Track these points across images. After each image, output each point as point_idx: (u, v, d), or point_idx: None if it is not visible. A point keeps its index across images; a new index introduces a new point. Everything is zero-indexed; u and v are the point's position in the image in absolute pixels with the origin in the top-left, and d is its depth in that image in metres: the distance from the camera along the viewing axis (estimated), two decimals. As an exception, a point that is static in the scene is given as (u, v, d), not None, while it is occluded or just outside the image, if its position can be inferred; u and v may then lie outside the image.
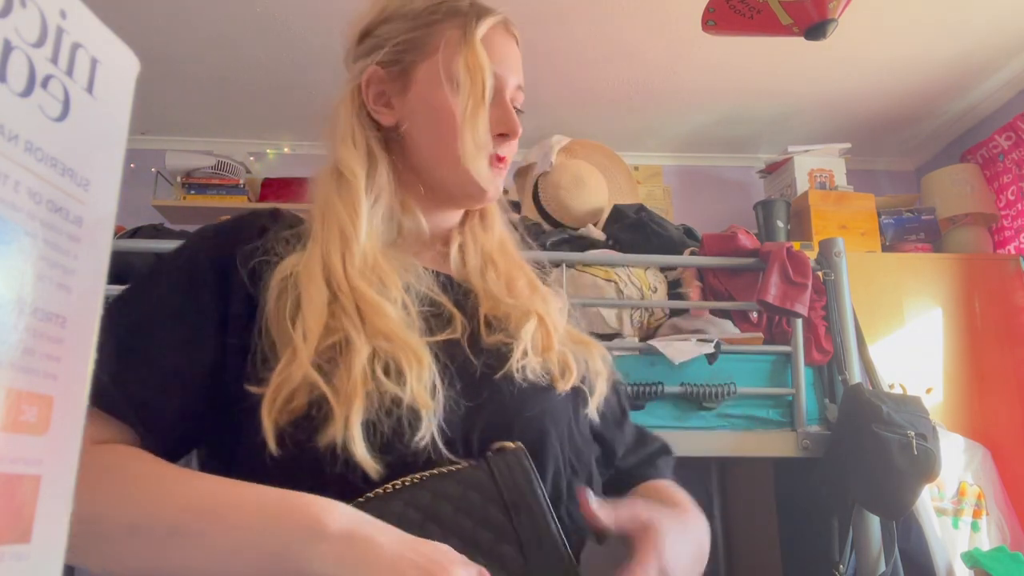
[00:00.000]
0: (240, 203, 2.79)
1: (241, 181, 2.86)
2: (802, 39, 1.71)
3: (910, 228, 2.66)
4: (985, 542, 1.89)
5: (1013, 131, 2.61)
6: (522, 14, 2.42)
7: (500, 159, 0.73)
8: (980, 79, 2.64)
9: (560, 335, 0.70)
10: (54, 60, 0.23)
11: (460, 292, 0.71)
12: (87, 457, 0.48)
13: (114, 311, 0.59)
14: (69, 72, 0.24)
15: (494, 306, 0.70)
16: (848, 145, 2.79)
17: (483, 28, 0.70)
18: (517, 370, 0.64)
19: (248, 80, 2.63)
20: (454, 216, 0.77)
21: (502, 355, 0.65)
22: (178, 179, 2.84)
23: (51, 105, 0.23)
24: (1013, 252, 2.60)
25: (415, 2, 0.73)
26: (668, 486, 0.74)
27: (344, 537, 0.47)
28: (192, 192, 2.82)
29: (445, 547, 0.48)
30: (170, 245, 2.00)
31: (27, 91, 0.22)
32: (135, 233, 2.00)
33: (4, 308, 0.20)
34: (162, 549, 0.48)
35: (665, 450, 0.82)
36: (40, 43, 0.22)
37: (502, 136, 0.72)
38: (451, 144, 0.69)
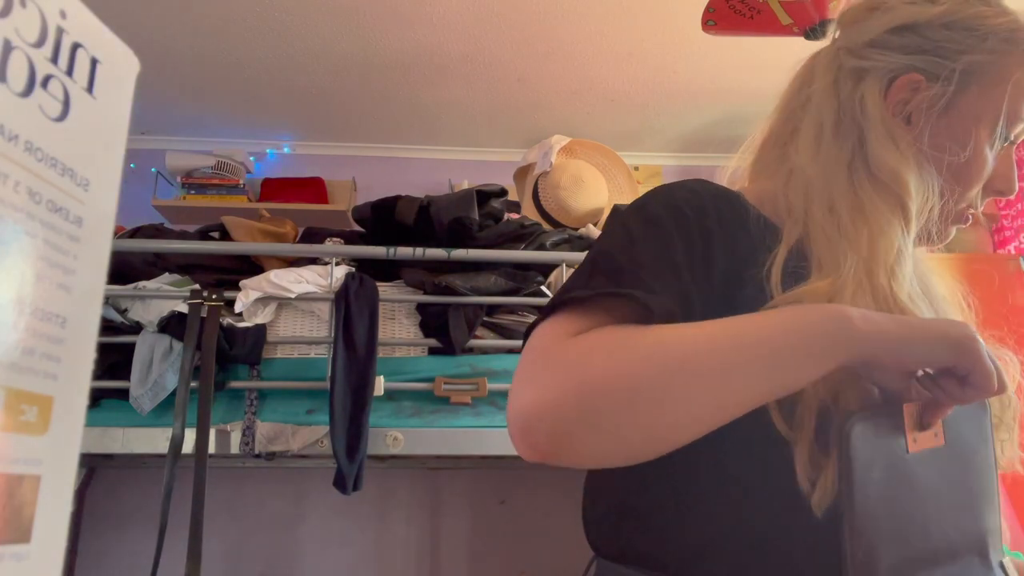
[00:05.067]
0: (240, 203, 2.79)
1: (241, 181, 2.86)
2: (802, 39, 1.71)
3: (910, 228, 2.65)
4: (985, 542, 1.89)
5: (1013, 131, 2.60)
6: (522, 13, 2.41)
7: (967, 214, 0.65)
8: (980, 79, 2.64)
9: None
10: (54, 60, 0.23)
11: None
12: (583, 339, 0.50)
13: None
14: (69, 72, 0.24)
15: None
16: (848, 145, 2.78)
17: None
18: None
19: (248, 80, 2.63)
20: None
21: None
22: (178, 179, 2.84)
23: (51, 105, 0.23)
24: (1013, 252, 2.59)
25: (988, 20, 0.63)
26: None
27: (867, 314, 0.50)
28: (192, 192, 2.82)
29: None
30: (170, 245, 2.00)
31: (27, 91, 0.22)
32: (135, 233, 2.00)
33: (4, 308, 0.20)
34: (712, 379, 0.48)
35: None
36: (40, 43, 0.22)
37: (994, 193, 0.65)
38: (967, 190, 0.63)
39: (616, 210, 0.63)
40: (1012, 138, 0.64)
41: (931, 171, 0.61)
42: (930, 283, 0.66)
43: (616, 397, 0.47)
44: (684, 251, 0.56)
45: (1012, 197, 0.64)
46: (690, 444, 0.52)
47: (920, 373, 0.52)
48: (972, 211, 0.66)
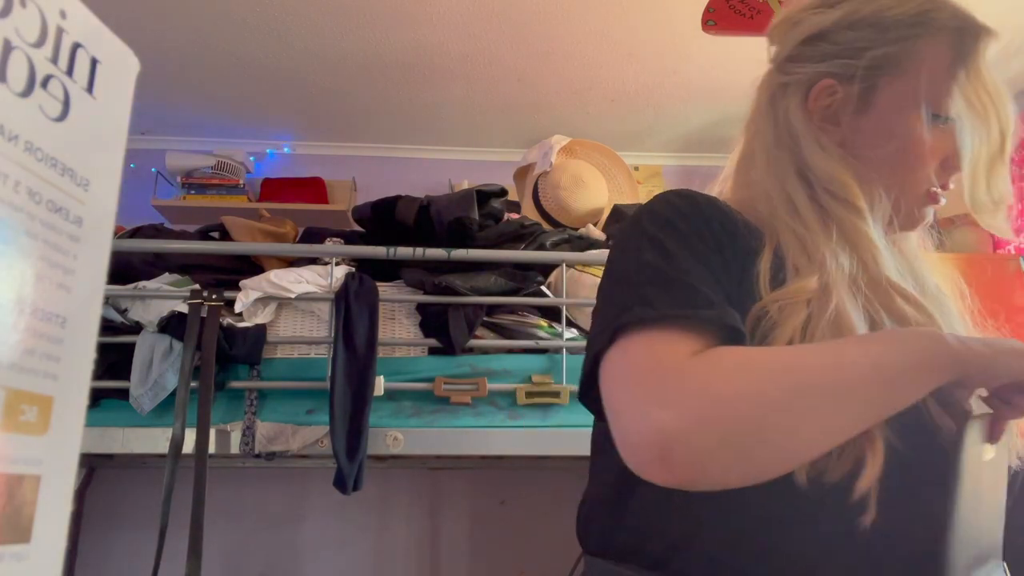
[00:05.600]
0: (240, 203, 2.79)
1: (241, 181, 2.86)
2: (802, 39, 1.71)
3: (910, 228, 2.65)
4: (985, 542, 1.89)
5: (1013, 131, 2.60)
6: (522, 13, 2.41)
7: (935, 194, 0.66)
8: (980, 79, 2.64)
9: None
10: (54, 60, 0.23)
11: None
12: (705, 360, 0.51)
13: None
14: (69, 72, 0.24)
15: None
16: (848, 145, 2.79)
17: (986, 53, 0.63)
18: None
19: (248, 80, 2.63)
20: None
21: None
22: (178, 179, 2.84)
23: (51, 105, 0.23)
24: (1013, 252, 2.59)
25: (890, 11, 0.64)
26: None
27: (957, 336, 0.53)
28: (192, 192, 2.82)
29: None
30: (170, 245, 2.00)
31: (27, 91, 0.22)
32: (135, 233, 2.00)
33: (4, 308, 0.20)
34: (842, 400, 0.50)
35: None
36: (40, 43, 0.22)
37: (955, 168, 0.65)
38: (910, 175, 0.64)
39: (619, 211, 0.65)
40: (949, 115, 0.64)
41: (865, 166, 0.64)
42: (925, 278, 0.68)
43: (754, 420, 0.49)
44: (707, 255, 0.59)
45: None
46: None
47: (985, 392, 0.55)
48: (935, 190, 0.66)
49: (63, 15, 0.23)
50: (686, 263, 0.57)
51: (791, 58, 0.69)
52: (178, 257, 1.90)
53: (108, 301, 1.74)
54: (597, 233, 2.11)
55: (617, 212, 2.14)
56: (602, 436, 0.68)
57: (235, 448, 1.68)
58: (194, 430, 1.59)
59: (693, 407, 0.49)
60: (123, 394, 1.67)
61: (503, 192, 2.04)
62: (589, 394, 0.58)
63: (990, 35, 0.64)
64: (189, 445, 1.59)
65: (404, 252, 1.82)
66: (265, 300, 1.77)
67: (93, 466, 2.39)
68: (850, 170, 0.63)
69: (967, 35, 0.63)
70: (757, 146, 0.70)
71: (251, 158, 3.01)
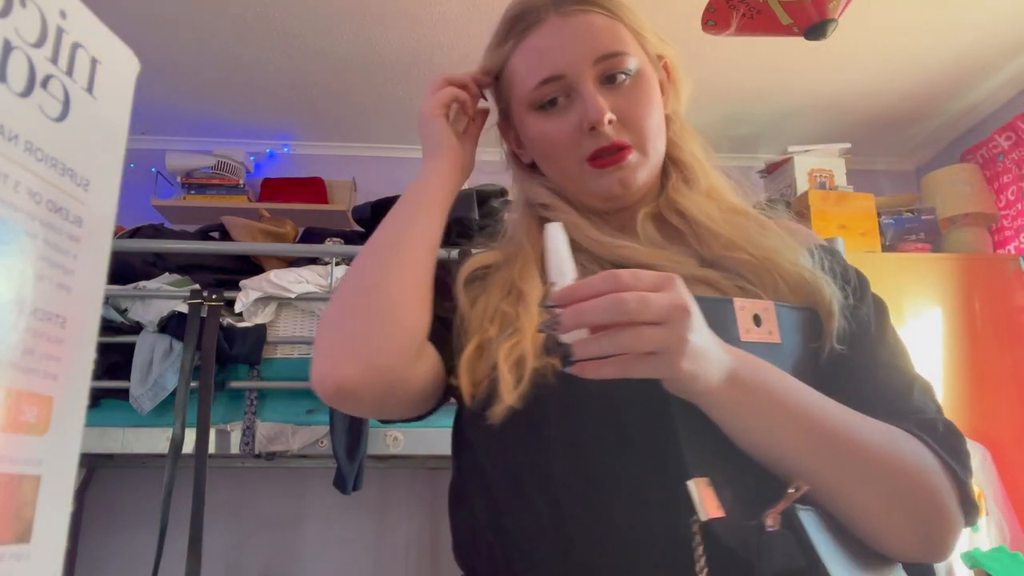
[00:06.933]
0: (240, 203, 2.79)
1: (241, 181, 2.86)
2: (802, 39, 1.71)
3: (910, 228, 2.65)
4: (985, 542, 1.89)
5: (1013, 131, 2.61)
6: (522, 14, 2.36)
7: (596, 156, 0.69)
8: (980, 79, 2.64)
9: None
10: (54, 60, 0.23)
11: None
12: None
13: None
14: (69, 72, 0.24)
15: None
16: (848, 145, 2.79)
17: (517, 52, 0.74)
18: None
19: (248, 80, 2.63)
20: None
21: None
22: (178, 179, 2.84)
23: (51, 105, 0.23)
24: (1013, 252, 2.59)
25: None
26: None
27: None
28: (192, 192, 2.82)
29: None
30: (170, 245, 2.00)
31: (27, 91, 0.22)
32: (135, 233, 2.00)
33: (4, 308, 0.20)
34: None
35: None
36: (40, 43, 0.22)
37: (592, 131, 0.68)
38: (561, 163, 0.72)
39: None
40: (542, 102, 0.71)
41: (547, 177, 0.76)
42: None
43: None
44: None
45: (598, 119, 0.67)
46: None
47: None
48: (592, 159, 0.70)
49: (63, 15, 0.23)
50: None
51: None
52: (178, 257, 1.90)
53: (108, 301, 1.74)
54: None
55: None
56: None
57: (235, 448, 1.68)
58: (194, 430, 1.59)
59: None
60: (123, 394, 1.67)
61: (503, 192, 2.04)
62: None
63: (516, 28, 0.75)
64: (189, 445, 1.59)
65: (404, 252, 1.81)
66: (265, 300, 1.77)
67: (93, 466, 2.39)
68: (536, 183, 0.77)
69: (506, 39, 0.76)
70: None
71: (251, 158, 3.00)
